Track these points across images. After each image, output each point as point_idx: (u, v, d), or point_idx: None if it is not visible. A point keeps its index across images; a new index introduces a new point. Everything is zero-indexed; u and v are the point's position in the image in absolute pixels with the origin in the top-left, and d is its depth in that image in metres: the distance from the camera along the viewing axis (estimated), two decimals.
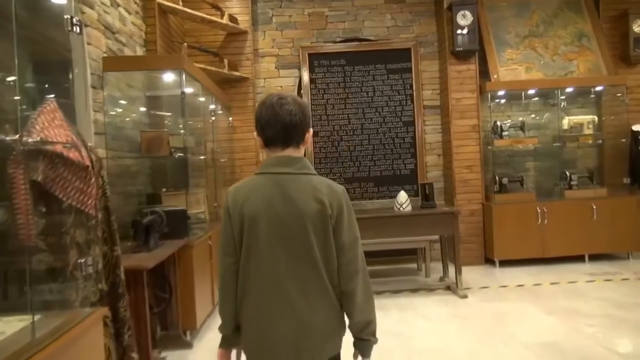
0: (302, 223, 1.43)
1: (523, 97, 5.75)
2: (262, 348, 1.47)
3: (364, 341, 1.51)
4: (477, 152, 5.66)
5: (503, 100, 5.95)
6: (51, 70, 2.56)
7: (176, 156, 3.93)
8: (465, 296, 4.36)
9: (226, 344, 1.56)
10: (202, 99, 4.70)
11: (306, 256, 1.44)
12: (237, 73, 5.60)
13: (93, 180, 2.15)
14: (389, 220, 4.41)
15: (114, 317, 2.28)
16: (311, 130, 1.55)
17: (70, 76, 2.82)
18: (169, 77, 3.89)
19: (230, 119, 5.78)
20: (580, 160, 6.03)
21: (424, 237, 4.75)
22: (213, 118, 4.85)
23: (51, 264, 2.02)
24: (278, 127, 1.45)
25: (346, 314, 1.51)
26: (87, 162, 2.13)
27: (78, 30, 1.82)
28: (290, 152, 1.48)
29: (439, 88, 6.00)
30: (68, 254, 2.04)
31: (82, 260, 1.92)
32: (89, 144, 2.34)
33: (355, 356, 1.53)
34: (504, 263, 5.45)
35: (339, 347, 1.53)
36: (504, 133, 5.67)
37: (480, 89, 5.63)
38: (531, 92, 5.69)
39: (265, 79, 5.95)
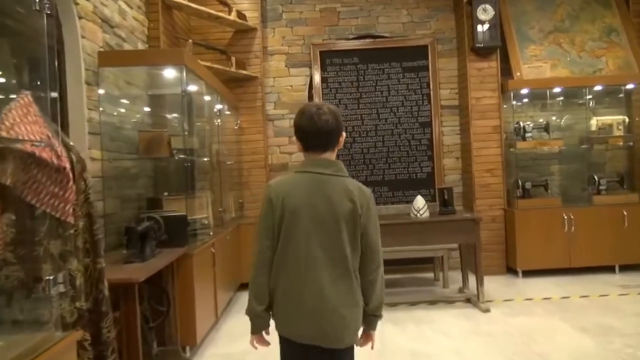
0: (337, 219, 1.63)
1: (548, 97, 5.39)
2: (294, 319, 1.65)
3: (376, 317, 1.75)
4: (499, 155, 5.33)
5: (526, 100, 5.60)
6: (34, 62, 2.33)
7: (177, 158, 3.69)
8: (487, 310, 4.04)
9: (260, 326, 1.72)
10: (206, 97, 4.46)
11: (337, 247, 1.64)
12: (245, 72, 5.36)
13: (71, 184, 1.90)
14: (405, 227, 4.11)
15: (96, 338, 2.03)
16: (344, 133, 1.74)
17: (58, 69, 2.59)
18: (169, 73, 3.65)
19: (238, 120, 5.53)
20: (609, 164, 5.66)
21: (442, 245, 4.44)
22: (219, 119, 4.60)
23: (21, 279, 1.77)
24: (317, 135, 1.66)
25: (364, 296, 1.71)
26: (65, 164, 1.87)
27: (48, 10, 1.56)
28: (327, 155, 1.70)
29: (457, 87, 5.69)
30: (41, 267, 1.79)
31: (53, 277, 1.66)
32: (71, 143, 2.09)
33: (366, 330, 1.77)
34: (528, 273, 5.11)
35: (357, 331, 1.71)
36: (527, 134, 5.34)
37: (502, 87, 5.30)
38: (556, 90, 5.34)
39: (274, 78, 5.70)
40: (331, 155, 1.71)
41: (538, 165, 5.68)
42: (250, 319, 1.72)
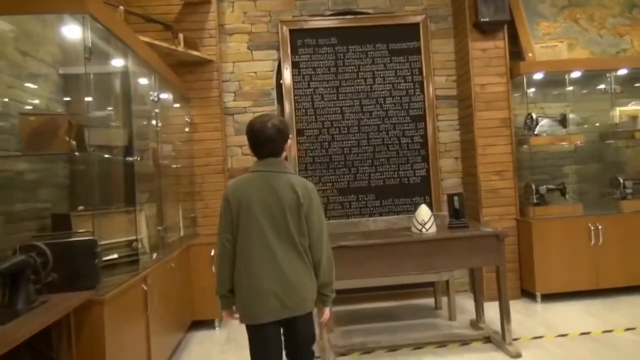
0: (282, 208, 1.98)
1: (567, 82, 4.49)
2: (254, 295, 1.98)
3: (325, 296, 2.08)
4: (509, 154, 4.40)
5: (537, 87, 4.69)
6: None
7: (98, 157, 2.58)
8: (518, 355, 3.06)
9: (226, 305, 2.09)
10: (142, 80, 3.36)
11: (286, 232, 1.99)
12: (196, 53, 4.27)
13: None
14: (406, 248, 3.09)
15: None
16: (289, 139, 2.09)
17: None
18: (71, 31, 2.51)
19: (189, 115, 4.43)
20: (629, 163, 4.82)
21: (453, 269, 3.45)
22: (156, 107, 3.49)
23: None
24: (263, 145, 2.02)
25: (315, 275, 2.04)
26: None
27: None
28: (277, 157, 2.05)
29: (454, 74, 4.75)
30: None
31: None
32: None
33: (318, 307, 2.12)
34: (548, 297, 4.17)
35: (313, 300, 2.06)
36: (540, 129, 4.44)
37: (511, 72, 4.39)
38: (574, 76, 4.46)
39: (234, 62, 4.63)
40: (278, 158, 2.04)
41: (550, 166, 4.79)
42: (219, 298, 2.08)
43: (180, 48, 4.10)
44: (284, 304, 1.96)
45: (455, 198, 3.31)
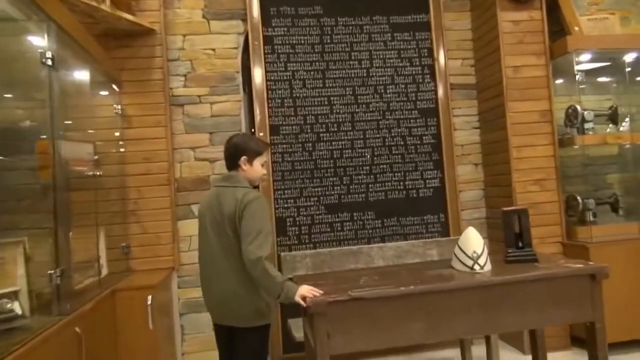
0: (223, 220, 2.12)
1: (619, 65, 3.51)
2: (207, 302, 2.26)
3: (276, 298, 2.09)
4: (551, 157, 3.37)
5: (581, 71, 3.68)
6: None
7: None
8: None
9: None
10: (30, 37, 2.11)
11: (228, 243, 2.11)
12: (130, 17, 3.05)
13: None
14: (455, 297, 1.94)
15: None
16: (244, 157, 2.23)
17: None
18: None
19: (118, 104, 3.18)
20: None
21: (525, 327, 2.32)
22: (53, 81, 2.22)
23: None
24: (225, 159, 2.29)
25: None
26: None
27: None
28: (232, 172, 2.26)
29: (472, 57, 3.71)
30: None
31: None
32: None
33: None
34: (612, 347, 3.10)
35: (255, 315, 2.11)
36: (587, 125, 3.43)
37: (551, 51, 3.38)
38: (631, 56, 3.47)
39: (185, 35, 3.42)
40: (234, 172, 2.25)
41: (592, 174, 3.78)
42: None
43: (106, 7, 2.86)
44: (224, 314, 2.18)
45: (519, 217, 2.20)
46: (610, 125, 3.52)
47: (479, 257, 2.05)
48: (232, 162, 2.26)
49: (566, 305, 2.02)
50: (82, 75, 2.67)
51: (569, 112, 3.48)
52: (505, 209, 2.29)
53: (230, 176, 2.22)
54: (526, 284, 1.97)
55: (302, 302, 2.01)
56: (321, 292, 2.00)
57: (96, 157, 2.89)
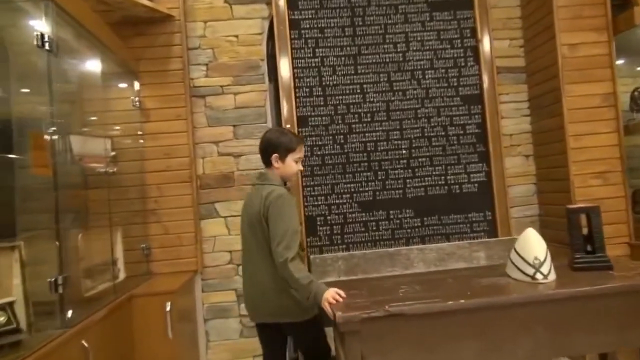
0: (254, 219, 2.14)
1: None
2: (245, 301, 2.29)
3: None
4: (616, 146, 2.97)
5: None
6: None
7: None
8: None
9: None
10: (34, 23, 1.92)
11: (260, 241, 2.13)
12: (147, 3, 2.84)
13: None
14: (517, 313, 1.63)
15: None
16: (275, 155, 2.21)
17: None
18: None
19: (137, 96, 2.99)
20: None
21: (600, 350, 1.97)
22: (52, 67, 2.01)
23: None
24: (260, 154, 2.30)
25: None
26: None
27: None
28: (265, 169, 2.28)
29: (521, 36, 3.34)
30: None
31: None
32: None
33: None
34: None
35: (296, 309, 2.10)
36: None
37: (614, 26, 2.98)
38: None
39: (206, 22, 3.19)
40: (267, 169, 2.26)
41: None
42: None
43: None
44: (261, 311, 2.19)
45: (590, 215, 1.85)
46: None
47: (541, 264, 1.73)
48: (265, 158, 2.25)
49: None
50: (93, 64, 2.48)
51: (635, 95, 3.06)
52: (570, 206, 1.95)
53: (262, 174, 2.25)
54: (602, 298, 1.63)
55: (328, 309, 1.78)
56: (345, 295, 1.75)
57: (113, 153, 2.71)
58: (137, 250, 2.86)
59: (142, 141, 2.98)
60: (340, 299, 1.79)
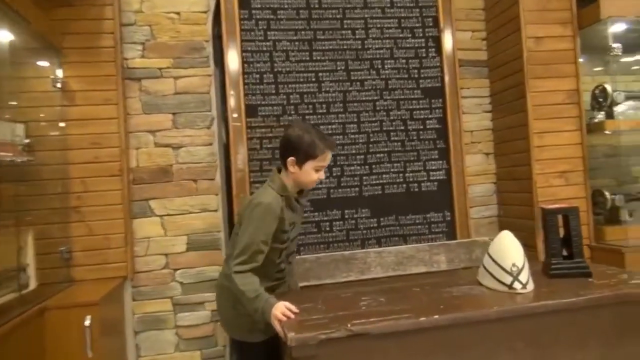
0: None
1: None
2: None
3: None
4: (578, 145, 2.87)
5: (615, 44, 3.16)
6: None
7: None
8: None
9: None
10: None
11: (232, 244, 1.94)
12: None
13: None
14: (495, 329, 1.41)
15: None
16: (291, 158, 1.85)
17: None
18: None
19: (58, 74, 2.59)
20: None
21: None
22: None
23: None
24: None
25: None
26: None
27: None
28: (274, 168, 2.00)
29: (484, 28, 3.20)
30: None
31: None
32: None
33: None
34: None
35: (241, 329, 1.88)
36: (617, 109, 2.95)
37: (579, 19, 2.88)
38: None
39: None
40: (284, 172, 1.91)
41: (615, 166, 3.30)
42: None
43: None
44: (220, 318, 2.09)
45: (568, 217, 1.68)
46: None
47: (519, 271, 1.53)
48: (280, 157, 1.92)
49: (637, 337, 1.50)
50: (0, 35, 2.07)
51: (596, 93, 2.98)
52: (545, 207, 1.77)
53: (271, 175, 1.97)
54: (588, 310, 1.45)
55: (278, 328, 1.50)
56: (297, 310, 1.48)
57: (27, 140, 2.31)
58: (55, 255, 2.46)
59: (63, 125, 2.58)
60: (292, 315, 1.51)
